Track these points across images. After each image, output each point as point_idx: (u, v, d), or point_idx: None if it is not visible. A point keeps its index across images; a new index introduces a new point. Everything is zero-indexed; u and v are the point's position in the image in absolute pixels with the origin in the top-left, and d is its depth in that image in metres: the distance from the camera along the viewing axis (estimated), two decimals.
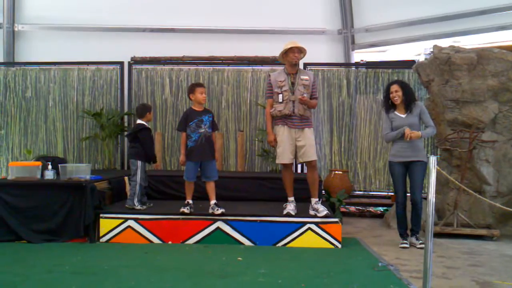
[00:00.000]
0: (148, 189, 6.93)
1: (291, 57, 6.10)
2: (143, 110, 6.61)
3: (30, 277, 4.65)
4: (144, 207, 6.40)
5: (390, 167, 6.23)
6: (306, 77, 6.16)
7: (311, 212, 6.14)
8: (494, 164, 6.89)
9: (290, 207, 6.16)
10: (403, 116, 6.03)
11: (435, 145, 7.54)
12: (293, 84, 6.09)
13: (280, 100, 6.08)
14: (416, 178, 6.00)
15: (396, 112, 6.07)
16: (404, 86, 6.08)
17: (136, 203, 6.35)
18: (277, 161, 6.31)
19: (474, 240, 6.44)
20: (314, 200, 6.20)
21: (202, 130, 6.18)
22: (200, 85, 6.39)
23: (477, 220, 6.87)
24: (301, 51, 6.15)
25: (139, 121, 6.57)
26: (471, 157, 6.83)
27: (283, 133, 6.11)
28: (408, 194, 6.18)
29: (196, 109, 6.27)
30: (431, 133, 6.14)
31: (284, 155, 6.12)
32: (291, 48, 6.09)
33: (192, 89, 6.29)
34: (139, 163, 6.41)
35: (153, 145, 6.65)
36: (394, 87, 6.05)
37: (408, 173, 6.10)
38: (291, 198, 6.27)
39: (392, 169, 6.16)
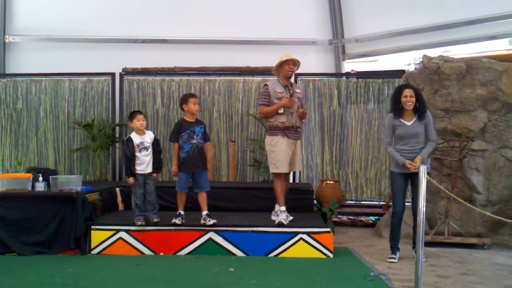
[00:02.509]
0: (149, 204, 6.23)
1: (286, 70, 6.24)
2: (128, 118, 6.43)
3: None
4: (139, 222, 6.08)
5: (391, 177, 6.01)
6: (299, 91, 6.44)
7: (274, 218, 6.30)
8: (484, 172, 6.93)
9: (282, 216, 6.17)
10: (409, 123, 5.79)
11: None
12: (291, 96, 6.26)
13: (281, 111, 6.20)
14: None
15: (401, 119, 5.82)
16: (417, 92, 5.84)
17: (134, 219, 6.12)
18: (275, 170, 6.28)
19: (465, 249, 6.47)
20: (284, 207, 6.29)
21: (194, 141, 6.17)
22: (193, 95, 6.39)
23: (468, 228, 6.90)
24: (295, 63, 6.29)
25: None
26: (461, 166, 6.87)
27: (282, 143, 6.22)
28: (407, 204, 6.09)
29: (189, 120, 6.27)
30: (430, 150, 5.87)
31: (284, 165, 6.22)
32: (286, 60, 6.21)
33: (185, 99, 6.28)
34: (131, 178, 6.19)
35: (128, 158, 6.10)
36: (409, 92, 5.74)
37: (410, 184, 5.94)
38: (283, 208, 6.28)
39: (394, 180, 5.95)
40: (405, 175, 5.86)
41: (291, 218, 6.33)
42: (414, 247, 5.88)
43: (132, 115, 6.28)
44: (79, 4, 9.86)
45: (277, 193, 6.33)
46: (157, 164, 6.31)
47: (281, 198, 6.31)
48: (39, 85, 9.37)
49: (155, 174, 6.31)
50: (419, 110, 5.82)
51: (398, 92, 5.89)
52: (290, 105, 6.18)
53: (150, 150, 6.19)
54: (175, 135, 6.21)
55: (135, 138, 6.14)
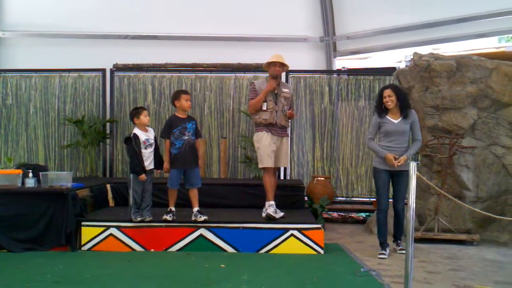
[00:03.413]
0: (143, 201, 6.17)
1: (273, 70, 6.37)
2: (130, 116, 6.27)
3: (11, 287, 4.60)
4: (139, 218, 6.05)
5: (375, 173, 6.10)
6: (287, 90, 6.52)
7: (264, 215, 6.32)
8: (474, 169, 6.98)
9: (271, 210, 6.23)
10: (396, 121, 5.94)
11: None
12: (276, 94, 6.35)
13: (265, 108, 6.30)
14: (400, 187, 5.98)
15: (388, 117, 5.97)
16: (397, 91, 5.99)
17: (132, 216, 6.07)
18: (260, 166, 6.42)
19: (454, 245, 6.51)
20: (272, 202, 6.39)
21: (186, 138, 6.16)
22: (186, 92, 6.40)
23: (458, 225, 6.95)
24: (283, 65, 6.39)
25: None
26: (451, 163, 6.91)
27: (266, 138, 6.32)
28: (390, 200, 6.22)
29: (180, 116, 6.25)
30: (417, 148, 6.06)
31: (268, 160, 6.30)
32: (274, 61, 6.32)
33: (177, 95, 6.27)
34: (131, 175, 6.09)
35: (137, 155, 5.99)
36: (387, 92, 5.95)
37: (392, 181, 6.07)
38: (272, 202, 6.33)
39: (378, 176, 6.04)
40: (389, 172, 5.99)
41: (281, 214, 6.37)
42: (394, 240, 6.20)
43: (137, 112, 6.15)
44: (70, 0, 9.80)
45: (266, 188, 6.39)
46: (160, 160, 6.26)
47: (270, 192, 6.36)
48: (29, 81, 9.31)
49: (158, 171, 6.30)
50: (401, 107, 5.96)
51: (380, 94, 6.10)
52: (273, 87, 6.26)
53: (153, 146, 6.16)
54: (167, 131, 6.19)
55: (141, 135, 6.06)
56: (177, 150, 6.13)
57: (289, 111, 6.43)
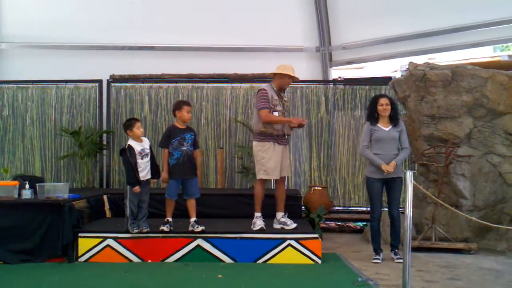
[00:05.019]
0: (139, 212, 6.17)
1: (286, 81, 6.39)
2: (123, 127, 6.32)
3: None
4: (136, 230, 6.04)
5: (368, 183, 6.29)
6: (286, 99, 6.63)
7: (277, 226, 6.33)
8: (470, 178, 6.99)
9: (261, 223, 6.22)
10: (386, 129, 6.15)
11: (412, 160, 7.64)
12: (283, 104, 6.42)
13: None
14: (394, 194, 6.17)
15: (379, 125, 6.18)
16: (392, 101, 6.28)
17: (129, 227, 6.07)
18: (265, 177, 6.26)
19: (452, 254, 6.51)
20: (281, 214, 6.40)
21: (185, 148, 6.16)
22: (188, 103, 6.37)
23: (455, 234, 6.95)
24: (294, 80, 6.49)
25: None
26: (448, 171, 6.92)
27: (273, 150, 6.25)
28: (384, 209, 6.31)
29: (179, 126, 6.25)
30: (405, 156, 6.27)
31: (276, 171, 6.25)
32: (291, 75, 6.30)
33: (179, 106, 6.27)
34: (127, 187, 6.08)
35: (132, 167, 5.98)
36: (385, 100, 6.19)
37: (386, 189, 6.23)
38: (259, 214, 6.31)
39: (370, 185, 6.22)
40: (382, 181, 6.15)
41: (294, 225, 6.33)
42: (392, 249, 6.30)
43: (130, 123, 6.15)
44: (66, 11, 9.79)
45: (257, 199, 6.32)
46: (156, 169, 6.26)
47: (259, 204, 6.32)
48: (26, 92, 9.31)
49: (154, 180, 6.28)
50: (394, 117, 6.22)
51: (374, 101, 6.32)
52: (297, 123, 6.30)
53: (149, 156, 6.16)
54: (165, 141, 6.19)
55: (136, 145, 6.05)
56: (175, 160, 6.13)
57: (303, 120, 6.40)
